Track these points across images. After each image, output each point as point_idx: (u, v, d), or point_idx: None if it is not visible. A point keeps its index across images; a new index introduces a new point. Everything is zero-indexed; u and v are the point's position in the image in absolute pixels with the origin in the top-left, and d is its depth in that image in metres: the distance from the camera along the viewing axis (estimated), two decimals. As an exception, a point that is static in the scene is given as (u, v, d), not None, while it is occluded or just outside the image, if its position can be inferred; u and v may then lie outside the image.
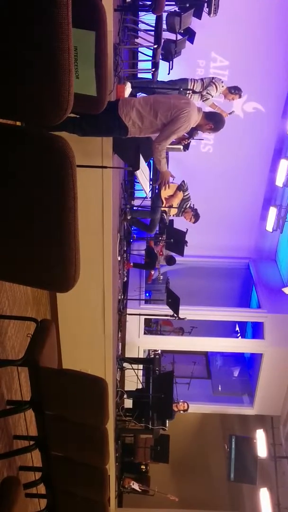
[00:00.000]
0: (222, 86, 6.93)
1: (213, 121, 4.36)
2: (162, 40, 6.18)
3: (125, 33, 6.20)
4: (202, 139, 8.77)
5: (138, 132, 4.13)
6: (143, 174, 4.63)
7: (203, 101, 7.02)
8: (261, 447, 8.95)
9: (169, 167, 8.89)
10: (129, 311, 8.72)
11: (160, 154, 4.27)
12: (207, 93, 6.86)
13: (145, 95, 7.40)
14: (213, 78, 6.98)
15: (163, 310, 8.38)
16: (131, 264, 8.98)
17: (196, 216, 7.88)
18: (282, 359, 9.19)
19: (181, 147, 6.80)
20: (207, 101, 6.98)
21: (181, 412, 8.38)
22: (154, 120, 4.07)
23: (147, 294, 9.90)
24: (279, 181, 9.16)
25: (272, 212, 9.54)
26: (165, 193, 7.97)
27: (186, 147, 6.90)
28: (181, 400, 8.37)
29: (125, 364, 8.16)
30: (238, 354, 11.24)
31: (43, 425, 3.07)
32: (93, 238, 5.04)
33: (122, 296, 8.50)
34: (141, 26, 6.68)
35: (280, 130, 9.20)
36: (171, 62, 6.87)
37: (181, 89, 6.87)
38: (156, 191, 8.27)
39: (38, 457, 3.36)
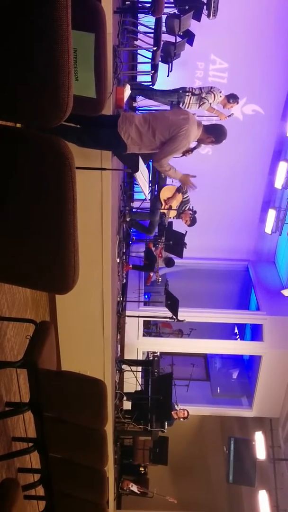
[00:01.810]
0: (220, 96, 6.97)
1: (214, 134, 4.31)
2: (162, 42, 6.19)
3: (125, 35, 6.20)
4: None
5: (137, 149, 4.12)
6: (142, 176, 4.63)
7: (200, 105, 7.03)
8: (260, 449, 8.95)
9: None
10: (128, 313, 8.72)
11: (164, 169, 4.28)
12: (203, 97, 6.87)
13: (143, 98, 7.44)
14: (211, 87, 7.02)
15: (162, 312, 8.38)
16: (130, 266, 8.97)
17: (193, 221, 7.88)
18: (281, 361, 9.18)
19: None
20: (204, 105, 6.99)
21: (181, 419, 8.29)
22: (153, 139, 4.04)
23: (146, 296, 9.90)
24: (278, 184, 9.16)
25: (271, 214, 9.55)
26: (164, 195, 7.97)
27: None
28: (181, 408, 8.31)
29: (124, 366, 8.15)
30: (237, 356, 11.24)
31: (41, 427, 3.06)
32: (92, 240, 5.04)
33: (121, 298, 8.49)
34: (141, 28, 6.69)
35: (279, 132, 9.21)
36: (170, 64, 6.88)
37: (180, 91, 6.88)
38: (155, 193, 8.27)
39: (37, 459, 3.36)
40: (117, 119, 3.99)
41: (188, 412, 8.31)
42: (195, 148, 4.72)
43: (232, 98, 7.01)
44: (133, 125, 3.97)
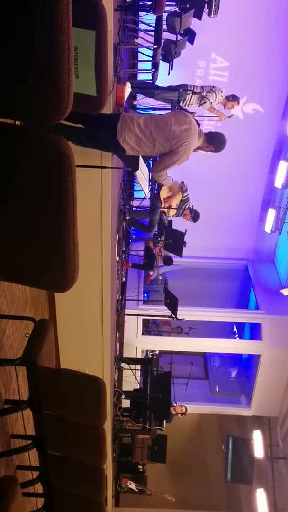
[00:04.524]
0: (222, 96, 6.99)
1: (214, 144, 4.27)
2: (162, 41, 6.18)
3: (125, 33, 6.20)
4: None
5: (136, 153, 4.10)
6: (142, 174, 4.62)
7: (201, 104, 7.03)
8: (258, 448, 8.97)
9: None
10: (127, 311, 8.71)
11: (160, 179, 4.28)
12: (204, 96, 6.88)
13: (143, 96, 7.44)
14: (213, 86, 7.04)
15: (161, 310, 8.38)
16: (130, 264, 8.98)
17: (196, 217, 7.86)
18: (280, 360, 9.20)
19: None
20: (205, 104, 7.00)
21: (179, 415, 8.38)
22: (152, 149, 4.00)
23: (146, 295, 9.89)
24: (278, 183, 9.16)
25: (271, 213, 9.54)
26: (164, 193, 7.96)
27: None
28: (179, 403, 8.36)
29: (123, 364, 8.15)
30: (236, 355, 11.25)
31: (40, 425, 3.07)
32: (92, 238, 5.04)
33: (121, 297, 8.49)
34: (141, 26, 6.68)
35: (280, 131, 9.21)
36: (171, 62, 6.87)
37: (181, 90, 6.88)
38: (155, 191, 8.26)
39: (36, 456, 3.36)
40: (117, 122, 3.91)
41: (186, 408, 8.35)
42: None
43: (232, 97, 7.04)
44: (133, 133, 3.90)
